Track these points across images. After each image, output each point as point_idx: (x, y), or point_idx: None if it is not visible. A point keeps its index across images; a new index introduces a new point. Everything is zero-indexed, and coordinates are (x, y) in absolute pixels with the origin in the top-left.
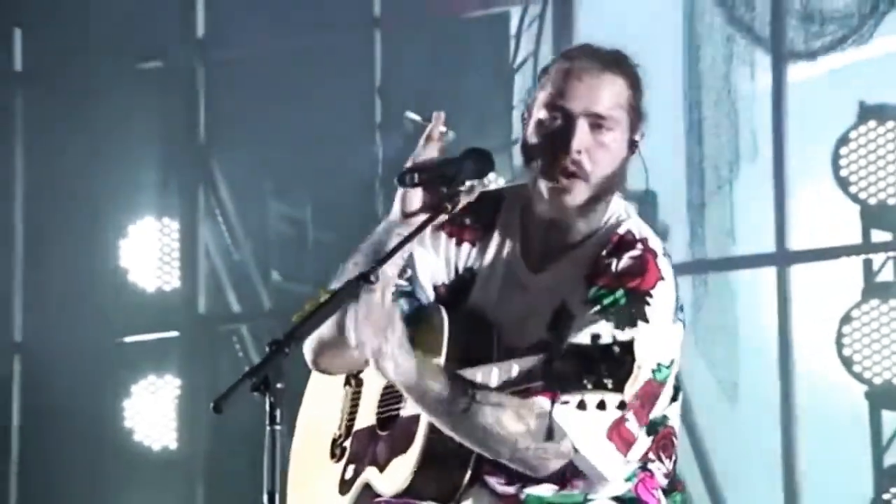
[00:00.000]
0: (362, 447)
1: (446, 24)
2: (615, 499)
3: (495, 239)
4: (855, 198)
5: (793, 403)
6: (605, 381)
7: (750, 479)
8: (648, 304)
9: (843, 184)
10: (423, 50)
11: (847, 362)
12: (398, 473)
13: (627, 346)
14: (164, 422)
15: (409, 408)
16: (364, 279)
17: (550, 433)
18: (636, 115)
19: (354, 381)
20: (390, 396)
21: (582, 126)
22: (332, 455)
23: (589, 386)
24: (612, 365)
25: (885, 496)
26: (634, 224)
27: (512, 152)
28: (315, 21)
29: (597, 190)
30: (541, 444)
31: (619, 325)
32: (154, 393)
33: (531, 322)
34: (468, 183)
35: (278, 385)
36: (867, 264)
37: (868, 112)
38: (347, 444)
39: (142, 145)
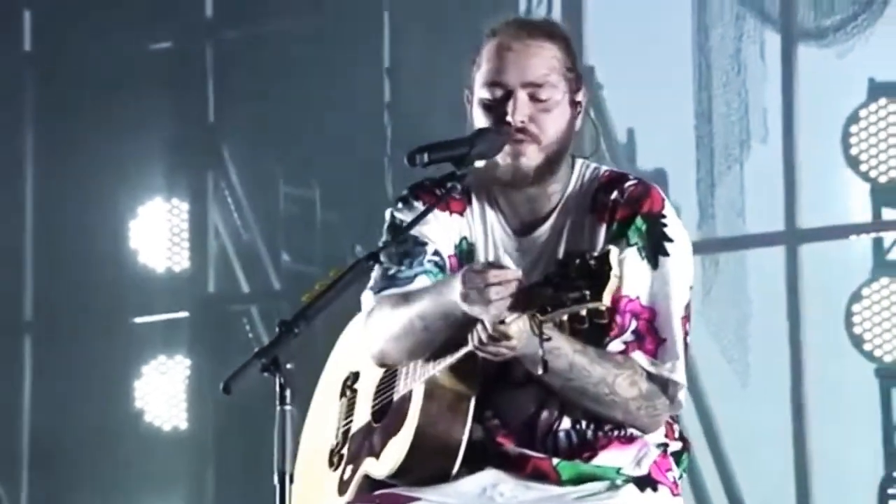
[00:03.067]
0: (359, 445)
1: (455, 3)
2: (634, 480)
3: (476, 210)
4: (865, 176)
5: (803, 382)
6: (584, 293)
7: (761, 459)
8: (665, 224)
9: (854, 162)
10: (432, 28)
11: (857, 341)
12: (392, 453)
13: (603, 257)
14: (175, 402)
15: (400, 390)
16: (373, 258)
17: (662, 389)
18: (574, 77)
19: (349, 391)
20: (384, 388)
21: (521, 97)
22: (331, 464)
23: (568, 302)
24: (588, 277)
25: None
26: (610, 169)
27: None
28: (323, 0)
29: (549, 152)
30: (652, 402)
31: (649, 257)
32: (164, 373)
33: (534, 278)
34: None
35: (288, 365)
36: (877, 243)
37: (878, 90)
38: (345, 449)
39: (151, 126)
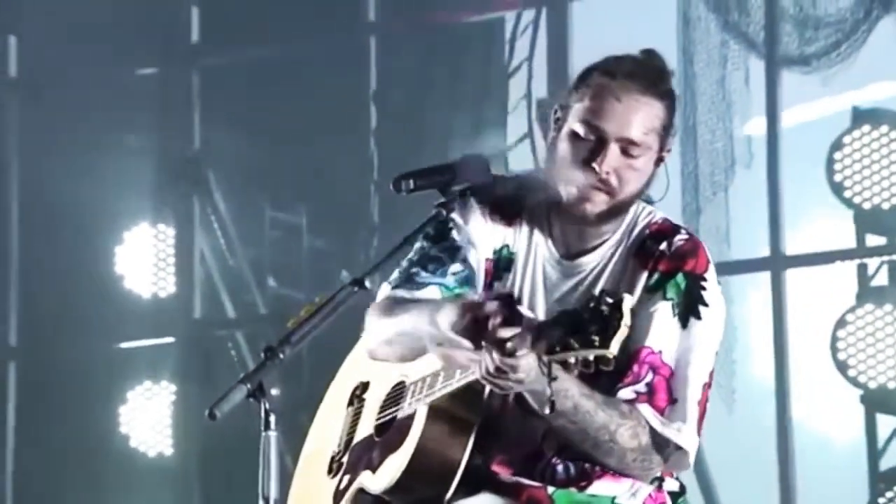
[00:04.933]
0: (358, 456)
1: (441, 30)
2: None
3: (525, 225)
4: (849, 202)
5: (788, 408)
6: (593, 338)
7: (746, 484)
8: (705, 288)
9: (838, 188)
10: (418, 55)
11: (842, 367)
12: (389, 469)
13: (616, 305)
14: (160, 428)
15: (405, 409)
16: (358, 285)
17: (659, 447)
18: (667, 133)
19: (357, 400)
20: (390, 403)
21: (613, 149)
22: (330, 470)
23: (576, 345)
24: (600, 323)
25: (881, 500)
26: (665, 217)
27: (507, 158)
28: (310, 27)
29: (619, 203)
30: (648, 457)
31: (682, 315)
32: (150, 399)
33: (570, 303)
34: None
35: (273, 391)
36: (861, 269)
37: (862, 116)
38: (345, 458)
39: (137, 152)
